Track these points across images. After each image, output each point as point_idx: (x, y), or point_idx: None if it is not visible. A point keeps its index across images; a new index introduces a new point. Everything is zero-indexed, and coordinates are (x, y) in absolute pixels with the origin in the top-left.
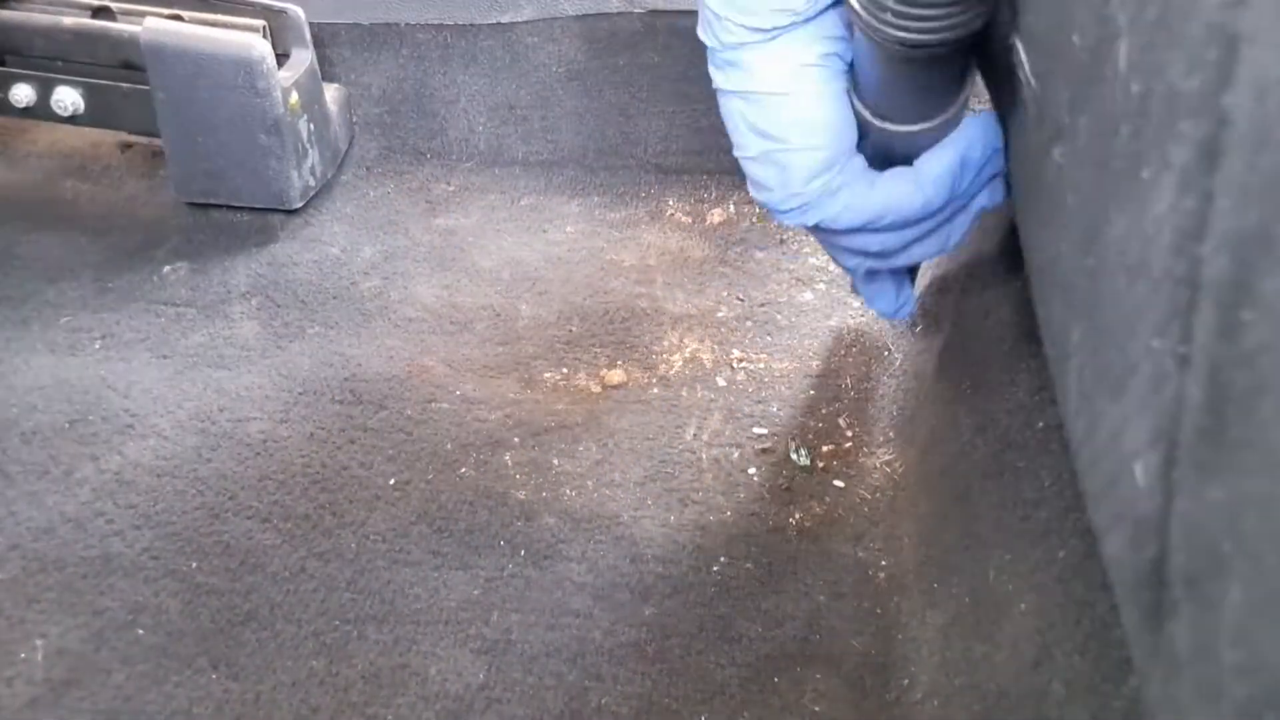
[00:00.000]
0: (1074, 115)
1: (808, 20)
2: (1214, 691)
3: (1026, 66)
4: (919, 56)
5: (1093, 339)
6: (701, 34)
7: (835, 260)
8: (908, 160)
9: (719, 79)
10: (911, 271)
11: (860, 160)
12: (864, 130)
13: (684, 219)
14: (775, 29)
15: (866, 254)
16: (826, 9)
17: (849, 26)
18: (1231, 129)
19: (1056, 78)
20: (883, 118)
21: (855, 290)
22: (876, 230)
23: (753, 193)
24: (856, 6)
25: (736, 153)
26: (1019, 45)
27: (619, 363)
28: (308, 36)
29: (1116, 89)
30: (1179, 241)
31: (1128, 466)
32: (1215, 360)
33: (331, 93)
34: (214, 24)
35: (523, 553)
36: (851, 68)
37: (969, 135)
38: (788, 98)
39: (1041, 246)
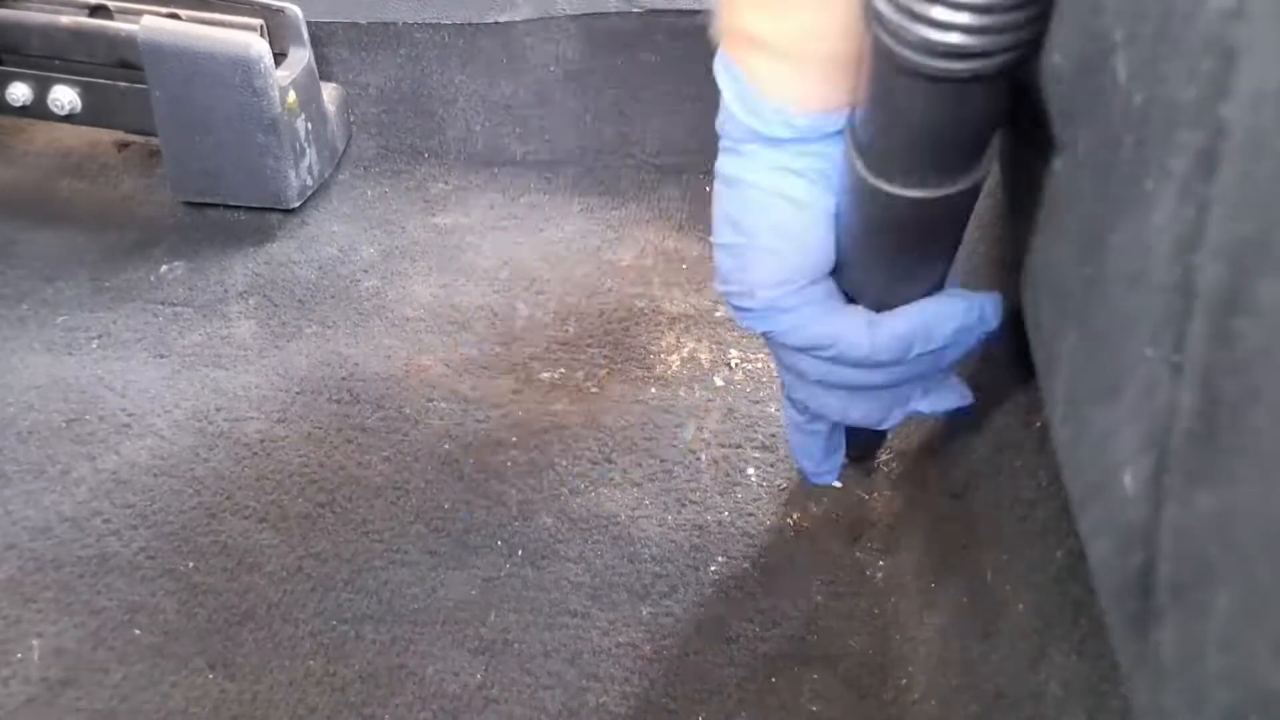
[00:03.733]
0: (1071, 128)
1: (806, 141)
2: (1200, 699)
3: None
4: (949, 79)
5: (1085, 345)
6: (717, 123)
7: (782, 380)
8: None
9: (719, 162)
10: (850, 438)
11: (825, 286)
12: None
13: (682, 219)
14: (775, 139)
15: (804, 380)
16: (829, 136)
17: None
18: (1229, 139)
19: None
20: (881, 175)
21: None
22: (820, 358)
23: (715, 283)
24: (880, 5)
25: (712, 238)
26: None
27: (617, 363)
28: (305, 35)
29: (1117, 101)
30: (1176, 250)
31: (1116, 473)
32: (1208, 368)
33: (329, 92)
34: (211, 23)
35: (520, 553)
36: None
37: (944, 308)
38: (770, 197)
39: (1035, 252)
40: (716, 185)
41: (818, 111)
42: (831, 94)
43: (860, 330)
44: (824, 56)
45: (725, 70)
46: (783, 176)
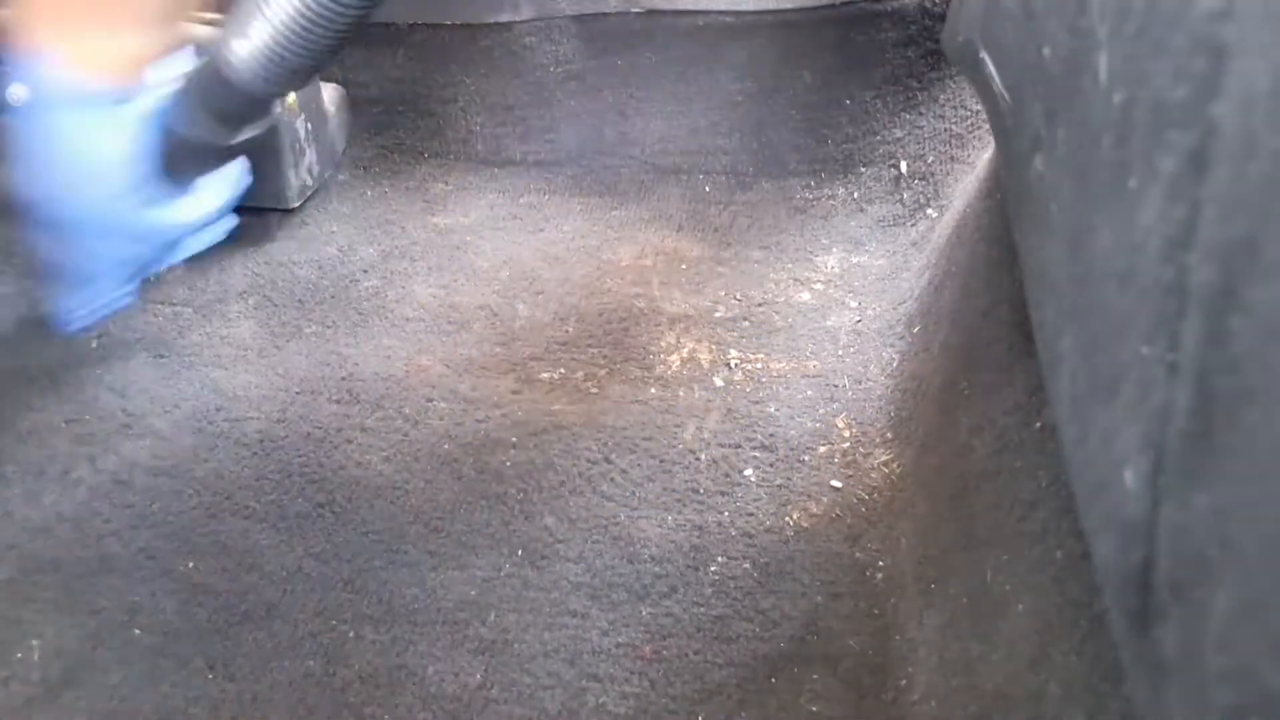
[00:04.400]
0: (1051, 126)
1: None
2: (1200, 696)
3: (998, 80)
4: None
5: (1083, 345)
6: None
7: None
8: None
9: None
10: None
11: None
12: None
13: (681, 219)
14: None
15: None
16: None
17: None
18: (1219, 139)
19: (1029, 89)
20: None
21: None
22: None
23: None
24: None
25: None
26: (988, 60)
27: (616, 363)
28: None
29: (1097, 99)
30: (1167, 250)
31: (1117, 472)
32: (1203, 367)
33: (329, 92)
34: (211, 23)
35: (520, 553)
36: None
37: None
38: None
39: (1031, 252)
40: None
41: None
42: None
43: None
44: None
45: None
46: (112, 116)
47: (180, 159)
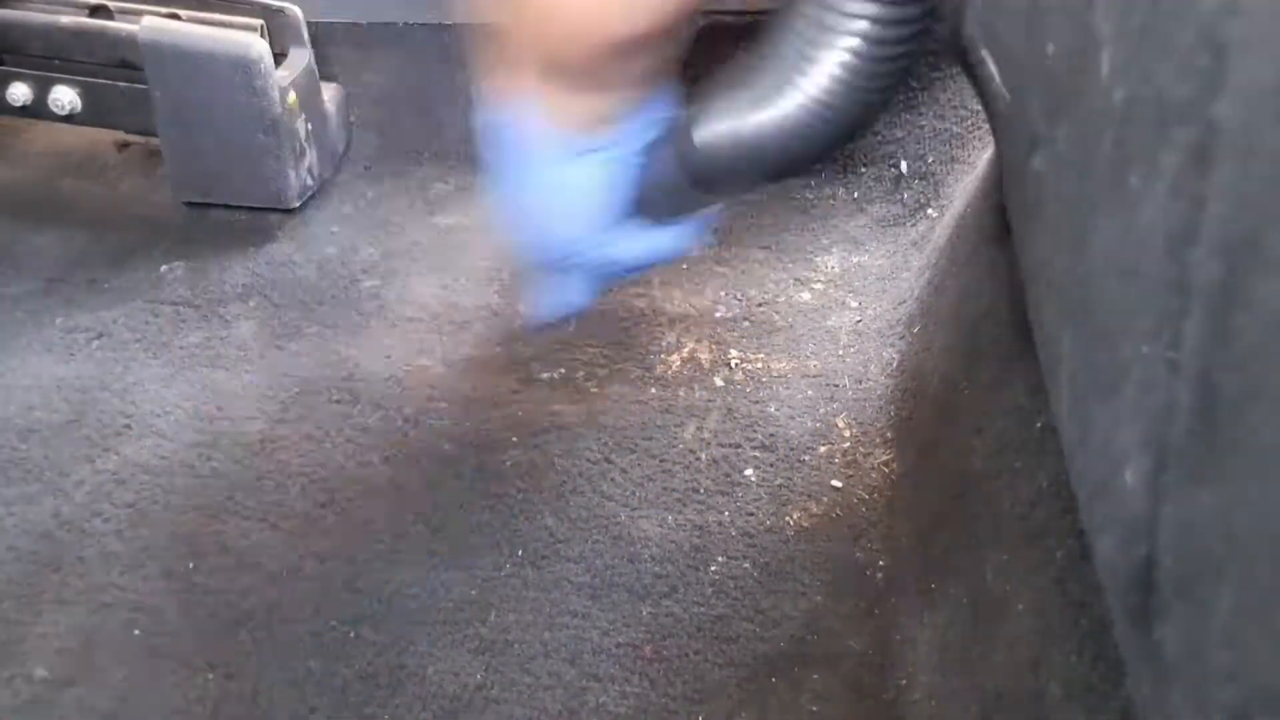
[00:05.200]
0: (1052, 124)
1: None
2: (1203, 694)
3: (998, 78)
4: None
5: (1084, 343)
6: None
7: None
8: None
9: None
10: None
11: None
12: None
13: None
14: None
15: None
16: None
17: None
18: (1222, 136)
19: (1031, 87)
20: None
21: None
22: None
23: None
24: None
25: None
26: (988, 58)
27: (616, 363)
28: (306, 36)
29: (1098, 96)
30: (1169, 247)
31: (1119, 470)
32: (1205, 365)
33: (329, 92)
34: (212, 23)
35: (520, 553)
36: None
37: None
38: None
39: (1031, 251)
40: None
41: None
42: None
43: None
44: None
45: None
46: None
47: (651, 203)
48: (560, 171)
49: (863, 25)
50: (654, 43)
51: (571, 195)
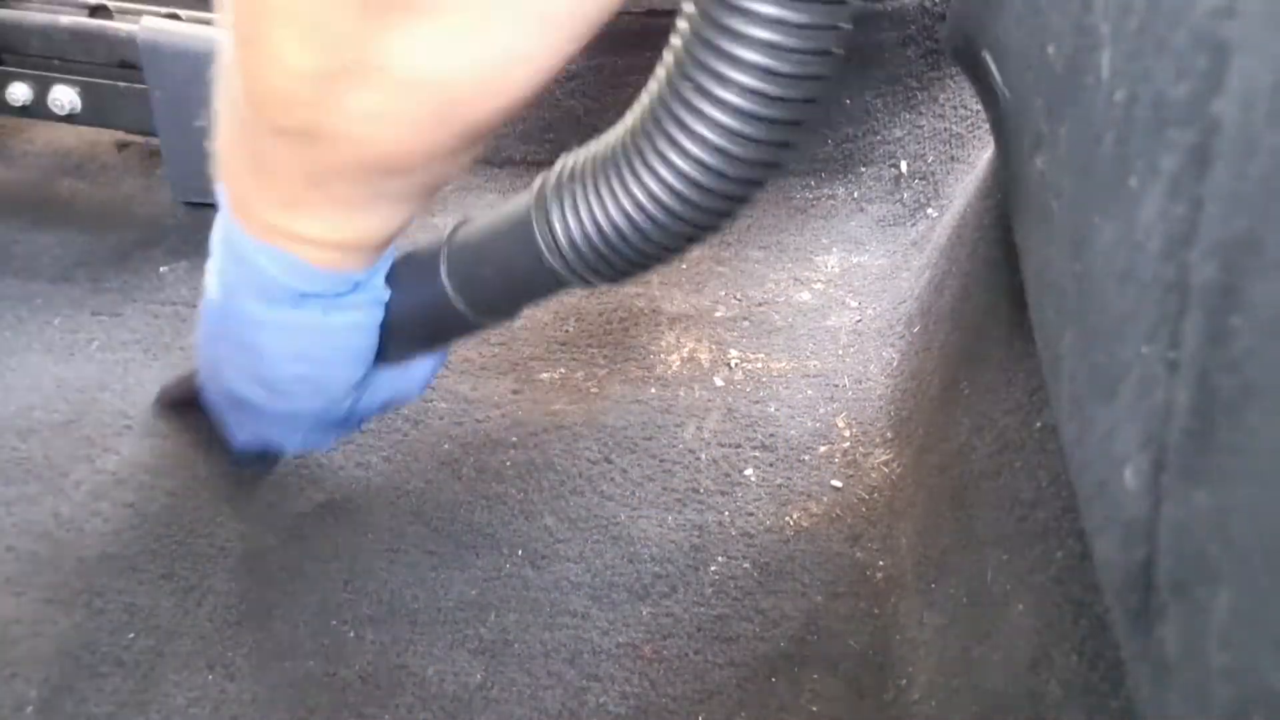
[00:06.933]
0: (1053, 124)
1: (346, 292)
2: (1202, 694)
3: (998, 79)
4: None
5: (1083, 343)
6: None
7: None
8: None
9: (253, 315)
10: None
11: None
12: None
13: None
14: (325, 294)
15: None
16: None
17: None
18: (1221, 136)
19: (1031, 87)
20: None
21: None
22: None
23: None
24: None
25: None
26: (989, 59)
27: (616, 362)
28: None
29: (1098, 97)
30: (1168, 248)
31: (1118, 470)
32: (1204, 366)
33: None
34: (212, 23)
35: (520, 553)
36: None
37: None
38: (337, 333)
39: (1031, 251)
40: (254, 337)
41: (352, 270)
42: (354, 259)
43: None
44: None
45: (259, 248)
46: (342, 314)
47: (408, 341)
48: (309, 324)
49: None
50: (443, 160)
51: (322, 354)
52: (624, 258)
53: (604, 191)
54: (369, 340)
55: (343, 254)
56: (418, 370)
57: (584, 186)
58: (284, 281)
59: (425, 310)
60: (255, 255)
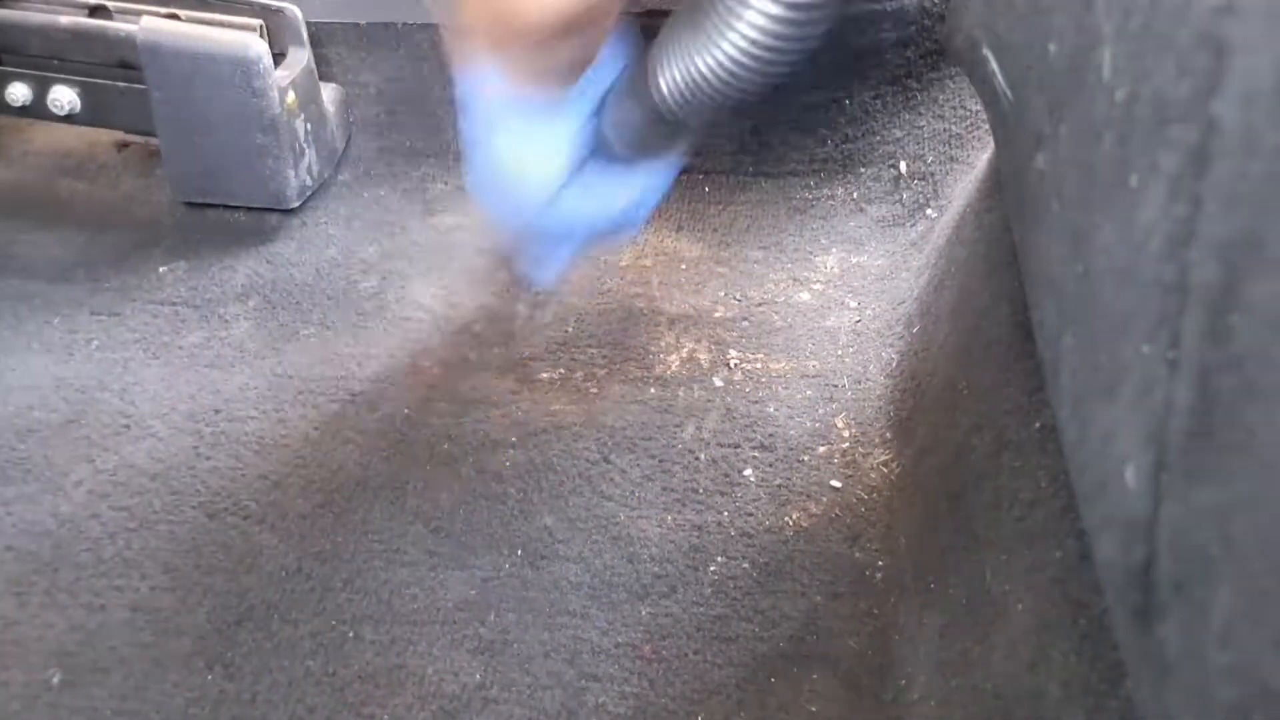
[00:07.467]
0: (1054, 123)
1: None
2: (1202, 693)
3: (1000, 78)
4: None
5: (1084, 343)
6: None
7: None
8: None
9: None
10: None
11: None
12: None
13: (681, 218)
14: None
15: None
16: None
17: None
18: (1220, 135)
19: (1033, 87)
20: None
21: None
22: None
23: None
24: None
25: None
26: (990, 57)
27: (616, 363)
28: (305, 36)
29: (1099, 96)
30: (1168, 247)
31: (1118, 469)
32: (1204, 365)
33: (329, 92)
34: (211, 23)
35: (519, 553)
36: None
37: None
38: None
39: (1032, 250)
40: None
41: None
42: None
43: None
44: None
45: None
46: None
47: (621, 146)
48: (526, 128)
49: None
50: (592, 17)
51: (540, 150)
52: None
53: None
54: (583, 133)
55: (547, 82)
56: (642, 178)
57: None
58: (507, 99)
59: (626, 118)
60: (489, 84)
